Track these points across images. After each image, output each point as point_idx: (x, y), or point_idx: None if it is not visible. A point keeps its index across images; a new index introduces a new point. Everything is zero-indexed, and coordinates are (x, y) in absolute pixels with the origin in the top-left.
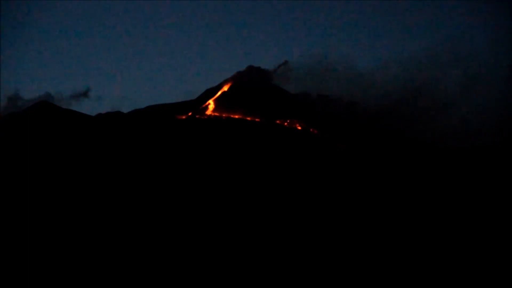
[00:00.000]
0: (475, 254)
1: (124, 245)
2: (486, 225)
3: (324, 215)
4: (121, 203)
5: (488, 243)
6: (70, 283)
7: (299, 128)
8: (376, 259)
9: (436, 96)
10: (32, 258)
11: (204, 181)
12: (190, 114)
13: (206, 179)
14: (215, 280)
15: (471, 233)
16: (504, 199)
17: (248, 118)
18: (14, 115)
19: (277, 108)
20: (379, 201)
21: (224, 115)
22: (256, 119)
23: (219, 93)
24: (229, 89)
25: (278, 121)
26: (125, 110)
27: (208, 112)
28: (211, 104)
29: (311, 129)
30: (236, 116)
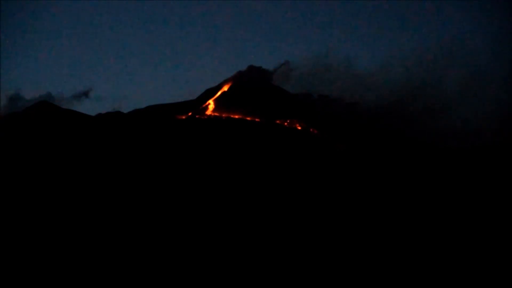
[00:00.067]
0: (475, 254)
1: (124, 245)
2: (486, 225)
3: (324, 215)
4: (121, 203)
5: (488, 243)
6: (70, 283)
7: (299, 128)
8: (376, 259)
9: (436, 96)
10: (32, 258)
11: (204, 181)
12: (190, 114)
13: (206, 179)
14: (215, 280)
15: (471, 233)
16: (504, 199)
17: (248, 118)
18: (14, 115)
19: (277, 108)
20: (379, 201)
21: (224, 115)
22: (256, 119)
23: (219, 93)
24: (229, 89)
25: (278, 121)
26: (126, 110)
27: (208, 112)
28: (211, 104)
29: (311, 129)
30: (236, 116)
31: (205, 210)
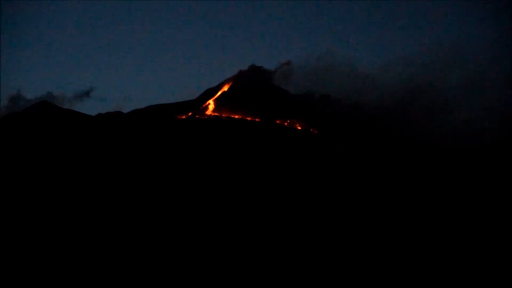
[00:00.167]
0: (475, 254)
1: (124, 245)
2: (486, 225)
3: (324, 215)
4: (121, 203)
5: (488, 243)
6: (70, 283)
7: (299, 128)
8: (376, 259)
9: (437, 96)
10: (32, 258)
11: (204, 181)
12: (190, 114)
13: (206, 179)
14: (215, 280)
15: (471, 233)
16: (505, 199)
17: (248, 118)
18: (14, 115)
19: (277, 108)
20: (379, 201)
21: (224, 115)
22: (256, 119)
23: (219, 93)
24: (229, 89)
25: (278, 121)
26: (127, 110)
27: (208, 112)
28: (211, 104)
29: (311, 129)
30: (236, 116)
31: (205, 210)
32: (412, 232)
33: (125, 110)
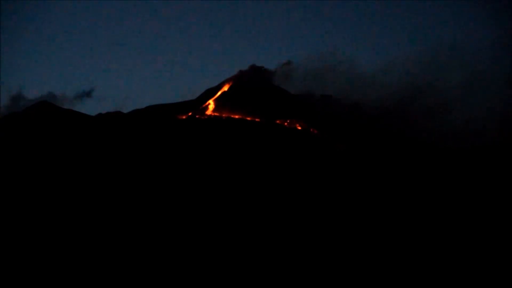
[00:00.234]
0: (475, 254)
1: (124, 245)
2: (486, 225)
3: (324, 214)
4: (121, 203)
5: (488, 243)
6: (70, 283)
7: (299, 128)
8: (376, 259)
9: (437, 97)
10: (32, 258)
11: (204, 181)
12: (190, 114)
13: (206, 179)
14: (215, 280)
15: (471, 232)
16: (505, 199)
17: (248, 118)
18: (14, 115)
19: (277, 108)
20: (379, 201)
21: (224, 115)
22: (256, 119)
23: (219, 93)
24: (229, 89)
25: (278, 121)
26: (128, 110)
27: (208, 112)
28: (211, 104)
29: (311, 129)
30: (236, 116)
31: (205, 209)
32: (412, 231)
33: (127, 110)
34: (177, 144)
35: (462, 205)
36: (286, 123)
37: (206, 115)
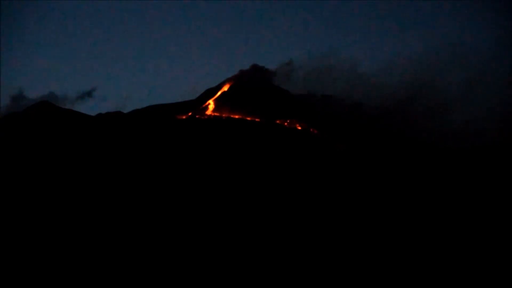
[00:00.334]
0: (475, 254)
1: (124, 245)
2: (486, 225)
3: (324, 214)
4: (122, 203)
5: (489, 243)
6: (70, 283)
7: (299, 128)
8: (377, 259)
9: (438, 97)
10: (32, 258)
11: (204, 181)
12: (190, 114)
13: (206, 179)
14: (215, 280)
15: (471, 232)
16: (505, 199)
17: (248, 118)
18: (14, 115)
19: (277, 108)
20: (379, 201)
21: (224, 115)
22: (256, 119)
23: (219, 93)
24: (229, 89)
25: (278, 121)
26: (129, 110)
27: (208, 112)
28: (211, 104)
29: (311, 129)
30: (236, 116)
31: (205, 209)
32: (412, 231)
33: (127, 109)
34: (177, 144)
35: (462, 205)
36: (286, 123)
37: (206, 115)
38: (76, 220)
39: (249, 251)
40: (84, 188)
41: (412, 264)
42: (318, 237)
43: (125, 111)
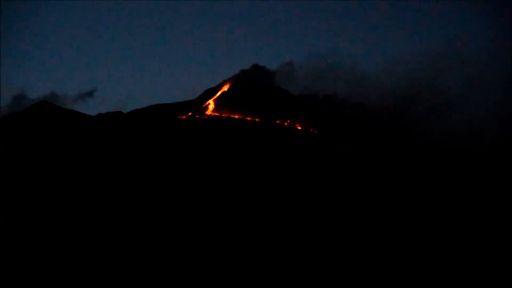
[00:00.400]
0: (475, 254)
1: (124, 245)
2: (486, 224)
3: (324, 214)
4: (122, 202)
5: (488, 242)
6: (70, 283)
7: (299, 128)
8: (377, 259)
9: (439, 97)
10: (32, 258)
11: (204, 181)
12: (190, 114)
13: (206, 179)
14: (215, 280)
15: (471, 232)
16: (505, 199)
17: (248, 118)
18: (14, 115)
19: (277, 108)
20: (380, 201)
21: (224, 115)
22: (256, 119)
23: (219, 93)
24: (229, 89)
25: (278, 121)
26: (130, 110)
27: (208, 112)
28: (211, 104)
29: (311, 129)
30: (236, 116)
31: (205, 209)
32: (413, 230)
33: (128, 110)
34: (177, 144)
35: (462, 204)
36: (286, 123)
37: (206, 115)
38: (77, 220)
39: (249, 251)
40: (84, 188)
41: (413, 264)
42: (318, 237)
43: (125, 111)
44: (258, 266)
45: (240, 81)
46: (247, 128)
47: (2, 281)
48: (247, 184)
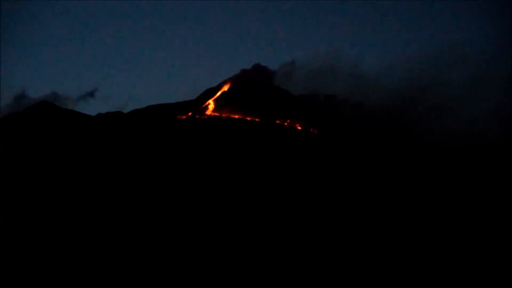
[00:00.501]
0: (475, 254)
1: (124, 245)
2: (486, 224)
3: (324, 214)
4: (122, 202)
5: (488, 242)
6: (70, 283)
7: (299, 128)
8: (377, 259)
9: (440, 97)
10: (32, 258)
11: (204, 181)
12: (190, 114)
13: (206, 179)
14: (215, 280)
15: (471, 232)
16: (505, 199)
17: (248, 118)
18: (14, 115)
19: (277, 108)
20: (380, 201)
21: (224, 115)
22: (256, 119)
23: (219, 93)
24: (229, 89)
25: (278, 121)
26: (130, 109)
27: (208, 112)
28: (211, 104)
29: (311, 129)
30: (236, 116)
31: (205, 209)
32: (413, 231)
33: (129, 109)
34: (177, 144)
35: (462, 204)
36: (286, 123)
37: (206, 115)
38: (77, 220)
39: (249, 251)
40: (84, 188)
41: (413, 264)
42: (318, 237)
43: (126, 111)
44: (258, 266)
45: (240, 81)
46: (247, 128)
47: (2, 281)
48: (247, 184)
